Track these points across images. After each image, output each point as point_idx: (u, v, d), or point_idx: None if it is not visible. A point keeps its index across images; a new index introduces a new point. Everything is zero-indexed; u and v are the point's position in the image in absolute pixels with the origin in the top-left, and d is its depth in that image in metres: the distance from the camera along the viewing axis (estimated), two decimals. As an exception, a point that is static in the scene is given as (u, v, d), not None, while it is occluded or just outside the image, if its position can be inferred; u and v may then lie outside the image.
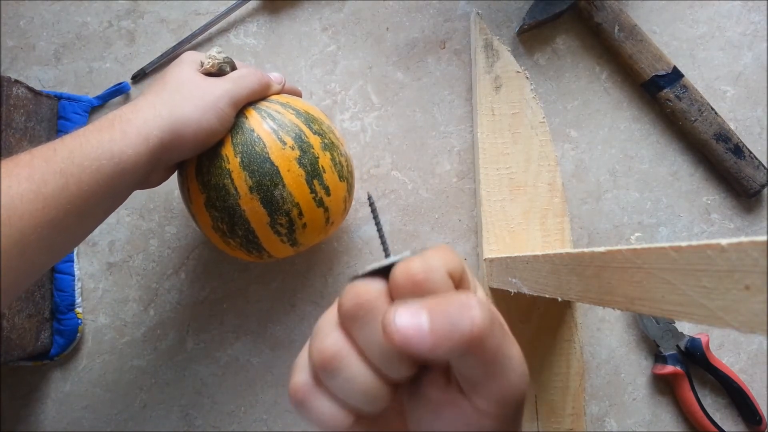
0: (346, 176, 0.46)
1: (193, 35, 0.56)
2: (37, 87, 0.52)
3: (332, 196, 0.45)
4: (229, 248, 0.46)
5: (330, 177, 0.44)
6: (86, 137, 0.36)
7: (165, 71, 0.43)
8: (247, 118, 0.43)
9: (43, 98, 0.52)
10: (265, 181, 0.42)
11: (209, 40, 0.57)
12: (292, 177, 0.42)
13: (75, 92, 0.56)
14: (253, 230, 0.43)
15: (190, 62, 0.43)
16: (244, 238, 0.44)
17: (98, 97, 0.55)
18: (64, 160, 0.34)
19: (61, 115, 0.54)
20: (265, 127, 0.43)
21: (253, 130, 0.43)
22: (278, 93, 0.47)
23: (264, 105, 0.45)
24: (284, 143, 0.42)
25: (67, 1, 0.56)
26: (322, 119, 0.46)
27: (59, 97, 0.54)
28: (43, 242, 0.33)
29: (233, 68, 0.45)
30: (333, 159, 0.44)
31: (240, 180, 0.42)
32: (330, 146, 0.45)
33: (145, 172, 0.38)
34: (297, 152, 0.43)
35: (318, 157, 0.43)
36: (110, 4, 0.57)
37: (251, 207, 0.42)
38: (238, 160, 0.42)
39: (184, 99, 0.40)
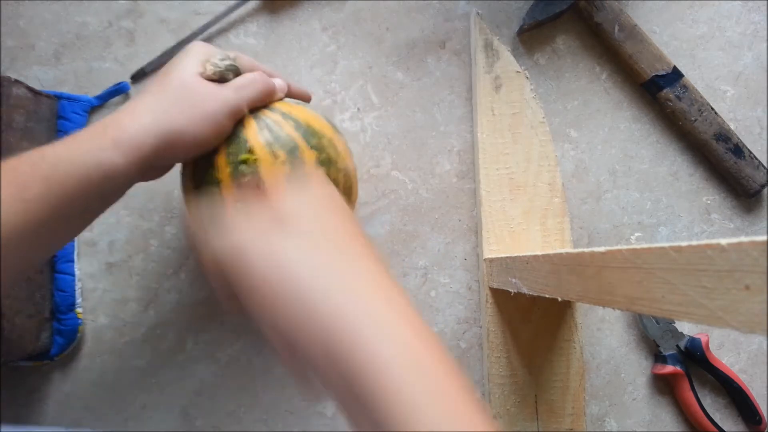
0: (343, 192, 0.45)
1: (193, 35, 0.56)
2: (37, 87, 0.52)
3: None
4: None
5: None
6: (76, 143, 0.35)
7: (169, 66, 0.42)
8: (244, 127, 0.42)
9: (43, 98, 0.52)
10: None
11: (209, 40, 0.57)
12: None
13: (75, 92, 0.56)
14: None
15: (195, 59, 0.42)
16: None
17: (98, 97, 0.55)
18: (50, 167, 0.34)
19: (60, 114, 0.54)
20: (260, 138, 0.41)
21: (247, 141, 0.41)
22: (281, 99, 0.46)
23: (265, 114, 0.43)
24: (276, 157, 0.41)
25: (66, 0, 0.56)
26: (323, 131, 0.44)
27: (59, 97, 0.54)
28: (25, 244, 0.33)
29: (237, 74, 0.43)
30: (328, 176, 0.43)
31: (228, 191, 0.41)
32: (327, 162, 0.43)
33: (136, 177, 0.38)
34: (288, 167, 0.41)
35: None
36: (110, 4, 0.57)
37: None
38: (229, 170, 0.41)
39: (182, 109, 0.39)
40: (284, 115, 0.43)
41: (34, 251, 0.35)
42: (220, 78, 0.42)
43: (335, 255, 0.31)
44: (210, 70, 0.41)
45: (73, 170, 0.34)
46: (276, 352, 0.32)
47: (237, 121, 0.42)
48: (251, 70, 0.44)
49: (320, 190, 0.37)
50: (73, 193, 0.34)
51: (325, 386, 0.29)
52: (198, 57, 0.42)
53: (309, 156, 0.42)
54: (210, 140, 0.40)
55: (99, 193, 0.36)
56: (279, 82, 0.45)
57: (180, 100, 0.39)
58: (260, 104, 0.43)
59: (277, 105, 0.45)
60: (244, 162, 0.41)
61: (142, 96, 0.40)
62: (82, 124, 0.55)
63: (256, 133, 0.42)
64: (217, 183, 0.41)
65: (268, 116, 0.43)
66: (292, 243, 0.31)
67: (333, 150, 0.44)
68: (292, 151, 0.41)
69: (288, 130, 0.42)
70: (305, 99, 0.50)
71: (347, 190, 0.45)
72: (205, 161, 0.42)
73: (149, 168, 0.38)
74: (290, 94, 0.48)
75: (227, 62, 0.42)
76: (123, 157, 0.36)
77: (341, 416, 0.28)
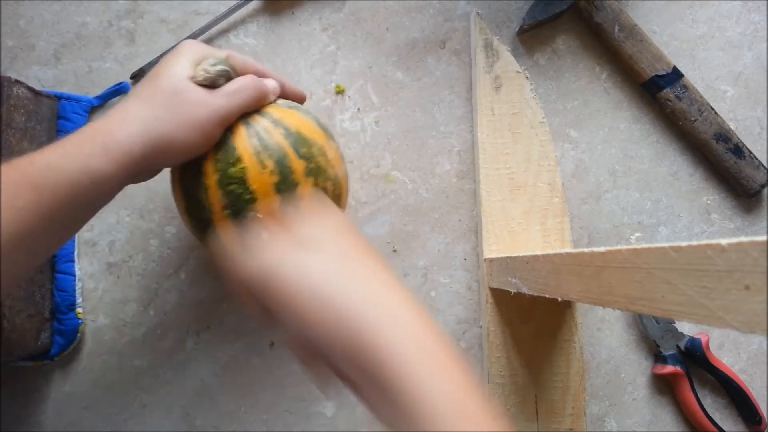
0: (332, 198, 0.44)
1: (193, 35, 0.56)
2: (37, 87, 0.52)
3: None
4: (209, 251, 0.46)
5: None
6: (65, 150, 0.35)
7: (159, 67, 0.41)
8: (233, 133, 0.42)
9: (43, 98, 0.52)
10: (239, 202, 0.41)
11: (209, 40, 0.57)
12: (268, 202, 0.41)
13: (75, 92, 0.56)
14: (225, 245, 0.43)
15: (186, 61, 0.41)
16: None
17: (98, 97, 0.55)
18: (39, 175, 0.34)
19: (61, 115, 0.54)
20: (248, 147, 0.41)
21: (235, 149, 0.41)
22: (274, 102, 0.45)
23: (255, 120, 0.42)
24: (264, 167, 0.41)
25: (66, 0, 0.56)
26: (314, 139, 0.43)
27: (59, 97, 0.54)
28: (19, 251, 0.33)
29: (229, 78, 0.42)
30: (316, 185, 0.43)
31: (215, 198, 0.41)
32: (316, 171, 0.42)
33: (126, 182, 0.38)
34: (276, 177, 0.41)
35: (298, 184, 0.42)
36: (110, 4, 0.57)
37: (223, 224, 0.41)
38: (216, 177, 0.41)
39: (172, 115, 0.39)
40: (275, 122, 0.43)
41: (28, 257, 0.36)
42: (212, 84, 0.41)
43: (356, 268, 0.34)
44: (201, 76, 0.41)
45: (63, 178, 0.34)
46: (298, 358, 0.35)
47: (227, 127, 0.42)
48: (244, 71, 0.43)
49: (333, 217, 0.39)
50: (64, 199, 0.35)
51: (348, 382, 0.32)
52: (189, 58, 0.41)
53: (297, 165, 0.42)
54: (199, 147, 0.40)
55: (89, 198, 0.36)
56: (271, 84, 0.44)
57: (170, 106, 0.39)
58: (252, 109, 0.43)
59: (269, 109, 0.44)
60: (232, 172, 0.41)
61: (132, 100, 0.39)
62: (82, 125, 0.55)
63: (245, 141, 0.41)
64: (204, 189, 0.41)
65: (259, 122, 0.42)
66: (318, 260, 0.33)
67: (323, 158, 0.43)
68: (281, 161, 0.41)
69: (277, 139, 0.42)
70: (299, 99, 0.49)
71: (336, 197, 0.45)
72: (193, 166, 0.42)
73: (138, 173, 0.38)
74: (284, 95, 0.47)
75: (219, 68, 0.41)
76: (112, 164, 0.36)
77: (366, 410, 0.31)
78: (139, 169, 0.38)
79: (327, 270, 0.33)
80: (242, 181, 0.41)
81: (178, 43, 0.56)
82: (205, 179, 0.41)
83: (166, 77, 0.40)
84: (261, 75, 0.45)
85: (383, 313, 0.31)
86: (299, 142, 0.42)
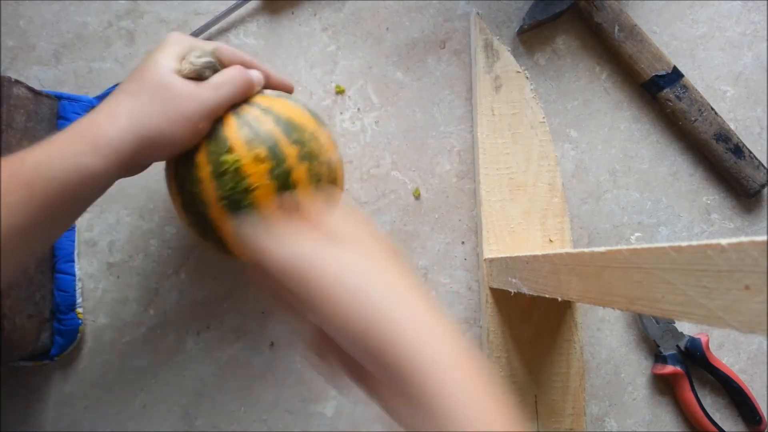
0: (329, 182, 0.45)
1: (193, 35, 0.56)
2: (37, 87, 0.52)
3: None
4: (207, 248, 0.46)
5: (305, 189, 0.43)
6: (55, 148, 0.36)
7: (146, 61, 0.41)
8: (223, 124, 0.42)
9: (43, 98, 0.52)
10: (234, 192, 0.41)
11: (209, 40, 0.57)
12: (263, 189, 0.41)
13: (75, 92, 0.56)
14: (223, 238, 0.43)
15: (171, 53, 0.41)
16: (215, 243, 0.44)
17: (98, 97, 0.55)
18: (30, 172, 0.34)
19: (61, 115, 0.54)
20: (239, 136, 0.41)
21: (227, 139, 0.41)
22: (260, 92, 0.45)
23: (245, 110, 0.43)
24: (257, 155, 0.41)
25: (66, 1, 0.56)
26: (305, 125, 0.44)
27: (59, 97, 0.54)
28: (11, 248, 0.34)
29: (215, 70, 0.42)
30: (310, 170, 0.43)
31: (210, 189, 0.41)
32: (309, 156, 0.42)
33: (116, 177, 0.38)
34: (269, 164, 0.41)
35: (291, 169, 0.42)
36: (110, 4, 0.57)
37: (219, 216, 0.41)
38: (210, 168, 0.41)
39: (160, 110, 0.39)
40: (264, 110, 0.43)
41: (21, 254, 0.36)
42: (198, 76, 0.41)
43: (389, 270, 0.34)
44: (187, 68, 0.41)
45: (53, 175, 0.35)
46: (311, 349, 0.36)
47: (217, 119, 0.42)
48: (231, 62, 0.43)
49: (357, 217, 0.39)
50: (56, 196, 0.35)
51: (360, 377, 0.33)
52: (175, 51, 0.41)
53: (290, 151, 0.42)
54: (188, 140, 0.40)
55: (81, 194, 0.37)
56: (256, 75, 0.44)
57: (157, 100, 0.39)
58: (240, 100, 0.43)
59: (258, 99, 0.44)
60: (225, 162, 0.41)
61: (119, 95, 0.39)
62: (82, 124, 0.55)
63: (235, 131, 0.41)
64: (198, 182, 0.41)
65: (248, 112, 0.42)
66: (355, 256, 0.34)
67: (315, 143, 0.43)
68: (273, 147, 0.41)
69: (267, 126, 0.42)
70: (287, 89, 0.49)
71: (332, 180, 0.45)
72: (185, 158, 0.42)
73: (129, 167, 0.39)
74: (270, 85, 0.47)
75: (204, 59, 0.41)
76: (102, 160, 0.36)
77: (377, 407, 0.33)
78: (130, 163, 0.38)
79: (363, 267, 0.33)
80: (236, 171, 0.41)
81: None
82: (198, 172, 0.41)
83: (152, 70, 0.40)
84: (247, 66, 0.45)
85: (411, 315, 0.32)
86: (290, 128, 0.42)
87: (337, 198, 0.46)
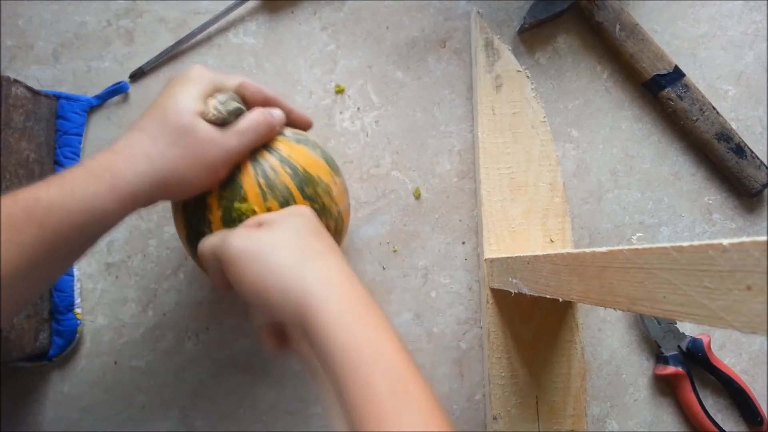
0: (333, 234, 0.45)
1: (192, 34, 0.56)
2: (36, 86, 0.52)
3: None
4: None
5: None
6: (70, 187, 0.35)
7: (167, 98, 0.39)
8: (240, 170, 0.41)
9: (41, 98, 0.52)
10: None
11: (208, 39, 0.57)
12: None
13: (74, 92, 0.56)
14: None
15: (195, 92, 0.40)
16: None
17: (97, 97, 0.55)
18: (44, 211, 0.34)
19: (59, 114, 0.54)
20: (255, 185, 0.41)
21: (241, 187, 0.41)
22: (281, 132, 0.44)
23: (264, 156, 0.42)
24: (269, 208, 0.41)
25: (65, 0, 0.56)
26: (320, 178, 0.43)
27: (58, 97, 0.54)
28: (21, 284, 0.34)
29: (239, 115, 0.41)
30: None
31: (218, 229, 0.41)
32: (320, 211, 0.43)
33: (127, 215, 0.38)
34: None
35: None
36: (109, 4, 0.57)
37: None
38: (220, 213, 0.41)
39: (181, 154, 0.38)
40: (282, 160, 0.42)
41: (29, 290, 0.36)
42: (223, 123, 0.40)
43: (299, 240, 0.37)
44: (213, 115, 0.39)
45: (67, 216, 0.34)
46: (255, 325, 0.39)
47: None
48: (254, 101, 0.43)
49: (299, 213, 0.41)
50: (67, 235, 0.35)
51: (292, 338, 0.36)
52: (198, 90, 0.40)
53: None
54: (206, 186, 0.40)
55: (91, 232, 0.37)
56: (278, 116, 0.43)
57: (179, 145, 0.38)
58: (260, 144, 0.42)
59: (278, 144, 0.43)
60: (237, 210, 0.41)
61: (139, 134, 0.38)
62: (81, 124, 0.55)
63: (252, 180, 0.41)
64: (208, 224, 0.41)
65: (267, 159, 0.42)
66: (267, 232, 0.37)
67: (327, 197, 0.44)
68: (286, 201, 0.41)
69: (284, 179, 0.42)
70: (306, 126, 0.48)
71: (338, 231, 0.46)
72: (197, 199, 0.42)
73: (141, 206, 0.39)
74: (291, 122, 0.46)
75: (232, 107, 0.40)
76: (118, 203, 0.36)
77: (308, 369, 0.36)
78: (144, 204, 0.38)
79: (274, 240, 0.36)
80: (247, 219, 0.40)
81: (178, 41, 0.56)
82: (208, 214, 0.41)
83: (174, 111, 0.39)
84: (270, 102, 0.44)
85: (315, 274, 0.34)
86: (305, 182, 0.42)
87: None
